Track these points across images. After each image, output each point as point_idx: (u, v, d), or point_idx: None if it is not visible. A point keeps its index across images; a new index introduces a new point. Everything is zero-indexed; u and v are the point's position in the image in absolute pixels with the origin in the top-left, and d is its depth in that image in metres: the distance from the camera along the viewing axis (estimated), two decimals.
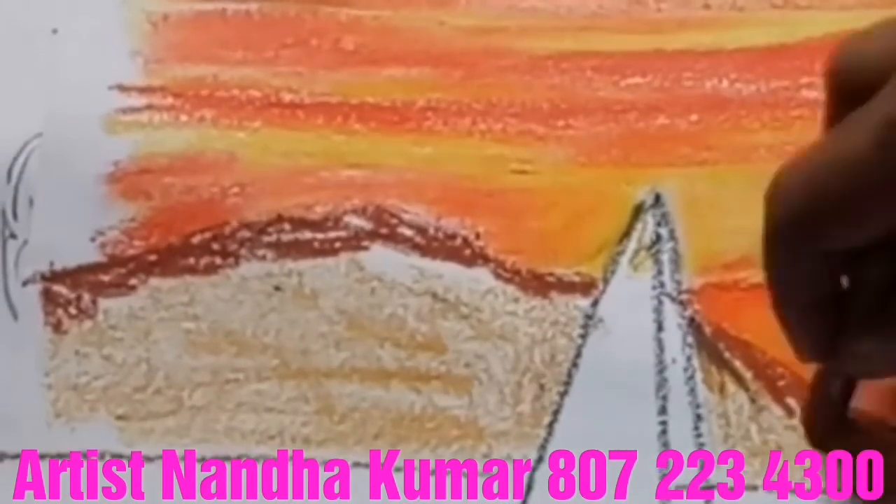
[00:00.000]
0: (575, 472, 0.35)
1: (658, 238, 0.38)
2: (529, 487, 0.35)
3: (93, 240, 0.39)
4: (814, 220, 0.27)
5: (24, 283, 0.38)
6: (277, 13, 0.42)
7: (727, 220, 0.38)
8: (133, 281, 0.39)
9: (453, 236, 0.39)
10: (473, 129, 0.40)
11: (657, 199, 0.38)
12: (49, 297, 0.38)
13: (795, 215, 0.28)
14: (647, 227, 0.38)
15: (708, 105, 0.40)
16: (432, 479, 0.36)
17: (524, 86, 0.40)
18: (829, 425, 0.32)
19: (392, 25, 0.42)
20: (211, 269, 0.39)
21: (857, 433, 0.32)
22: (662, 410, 0.36)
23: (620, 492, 0.35)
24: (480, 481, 0.36)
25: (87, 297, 0.38)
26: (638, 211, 0.38)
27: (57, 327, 0.38)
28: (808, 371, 0.34)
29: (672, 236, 0.38)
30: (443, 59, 0.41)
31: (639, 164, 0.39)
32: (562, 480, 0.35)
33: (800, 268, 0.29)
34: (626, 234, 0.38)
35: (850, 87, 0.28)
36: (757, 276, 0.36)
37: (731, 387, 0.36)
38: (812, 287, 0.29)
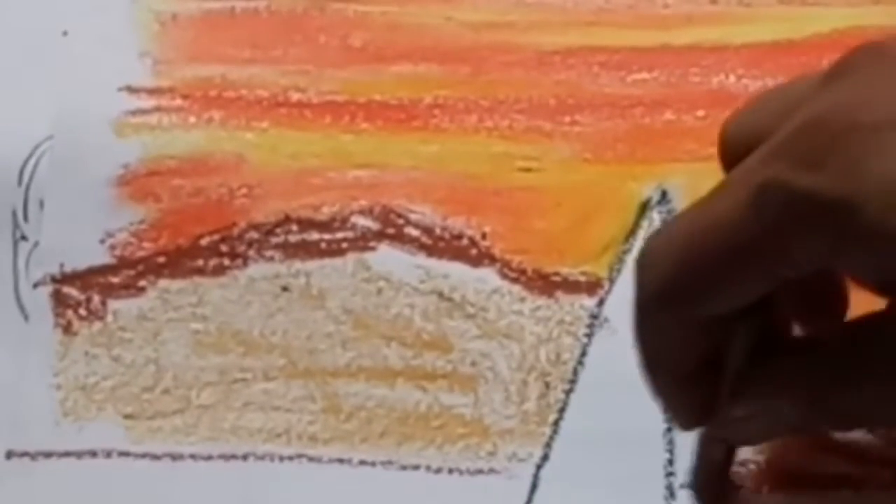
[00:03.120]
0: (580, 470, 0.38)
1: None
2: (534, 485, 0.38)
3: (102, 242, 0.42)
4: (684, 286, 0.28)
5: (35, 285, 0.41)
6: (285, 10, 0.45)
7: None
8: (142, 282, 0.41)
9: (459, 236, 0.41)
10: (480, 127, 0.42)
11: (663, 195, 0.41)
12: (59, 299, 0.41)
13: (665, 282, 0.29)
14: (653, 224, 0.40)
15: (715, 101, 0.42)
16: (437, 477, 0.38)
17: (531, 81, 0.43)
18: (715, 490, 0.34)
19: (399, 21, 0.44)
20: (219, 271, 0.42)
21: (744, 495, 0.34)
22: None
23: (626, 490, 0.37)
24: (486, 479, 0.38)
25: (96, 298, 0.41)
26: (644, 208, 0.41)
27: (67, 329, 0.41)
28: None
29: None
30: (450, 56, 0.44)
31: (645, 160, 0.41)
32: (567, 478, 0.38)
33: (670, 336, 0.30)
34: (633, 232, 0.40)
35: (736, 156, 0.29)
36: None
37: None
38: (684, 356, 0.30)
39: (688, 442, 0.37)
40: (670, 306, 0.29)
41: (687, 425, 0.33)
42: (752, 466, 0.37)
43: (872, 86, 0.26)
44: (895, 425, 0.34)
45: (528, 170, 0.42)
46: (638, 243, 0.40)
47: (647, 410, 0.38)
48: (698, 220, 0.28)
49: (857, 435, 0.37)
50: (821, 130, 0.26)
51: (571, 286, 0.40)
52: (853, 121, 0.26)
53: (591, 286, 0.40)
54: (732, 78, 0.42)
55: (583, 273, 0.40)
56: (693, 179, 0.41)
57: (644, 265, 0.30)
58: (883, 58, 0.27)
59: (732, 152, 0.30)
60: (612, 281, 0.40)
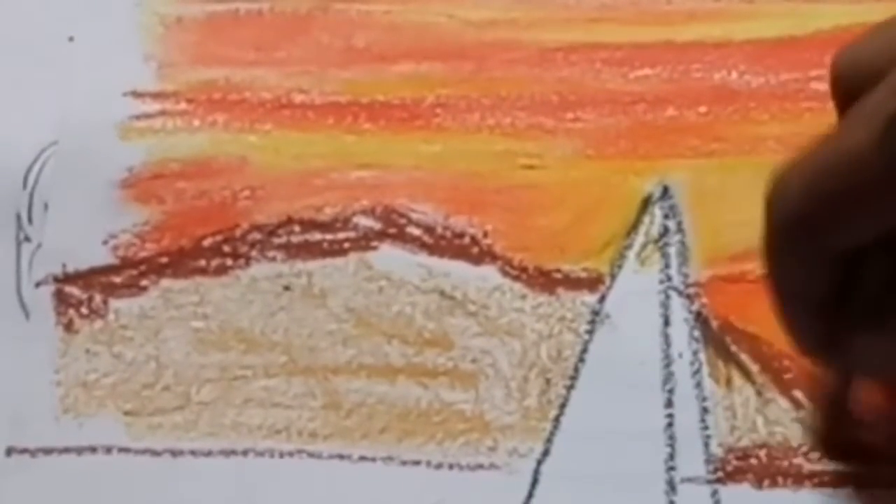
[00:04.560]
0: (581, 466, 0.39)
1: (666, 231, 0.41)
2: (535, 481, 0.39)
3: (105, 243, 0.43)
4: (815, 220, 0.30)
5: (37, 285, 0.43)
6: (289, 11, 0.46)
7: (735, 211, 0.41)
8: (144, 282, 0.43)
9: (461, 235, 0.42)
10: (482, 125, 0.44)
11: (665, 191, 0.42)
12: (61, 298, 0.42)
13: (797, 216, 0.30)
14: (654, 219, 0.41)
15: (717, 97, 0.43)
16: (438, 472, 0.39)
17: (533, 78, 0.44)
18: (831, 422, 0.35)
19: (402, 20, 0.46)
20: (221, 271, 0.43)
21: (859, 429, 0.35)
22: (669, 404, 0.39)
23: (627, 485, 0.38)
24: (486, 474, 0.39)
25: (98, 297, 0.42)
26: (646, 204, 0.42)
27: (68, 327, 0.42)
28: (815, 364, 0.37)
29: (680, 228, 0.41)
30: (452, 54, 0.45)
31: (647, 156, 0.42)
32: (568, 474, 0.39)
33: (801, 267, 0.31)
34: (634, 228, 0.41)
35: (850, 91, 0.30)
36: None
37: (738, 380, 0.39)
38: (813, 286, 0.31)
39: (689, 437, 0.38)
40: (800, 239, 0.30)
41: (810, 353, 0.34)
42: (754, 462, 0.38)
43: None
44: None
45: (530, 167, 0.43)
46: (640, 239, 0.41)
47: (648, 406, 0.39)
48: (827, 154, 0.29)
49: (860, 433, 0.38)
50: None
51: (573, 283, 0.41)
52: None
53: (593, 282, 0.41)
54: (735, 74, 0.43)
55: (584, 269, 0.41)
56: (695, 175, 0.42)
57: (775, 199, 0.31)
58: None
59: (845, 88, 0.30)
60: (613, 277, 0.41)
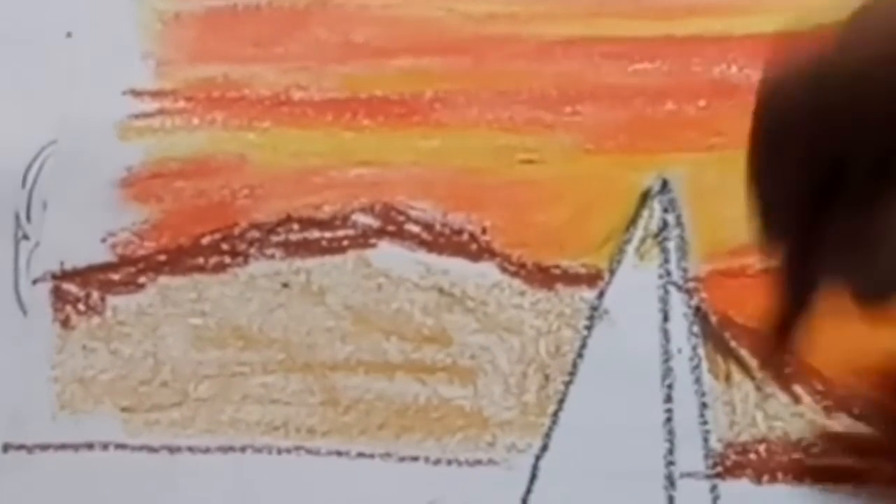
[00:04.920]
0: (579, 461, 0.39)
1: (665, 225, 0.41)
2: (534, 476, 0.39)
3: (104, 241, 0.43)
4: (816, 129, 0.30)
5: (35, 282, 0.43)
6: (287, 5, 0.46)
7: (734, 205, 0.40)
8: (142, 279, 0.43)
9: (460, 231, 0.42)
10: (481, 120, 0.44)
11: (664, 185, 0.42)
12: (58, 295, 0.42)
13: (796, 123, 0.30)
14: (653, 213, 0.41)
15: (716, 91, 0.43)
16: (436, 468, 0.39)
17: (532, 73, 0.44)
18: (776, 343, 0.35)
19: (401, 14, 0.46)
20: (220, 268, 0.43)
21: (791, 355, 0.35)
22: (668, 399, 0.39)
23: (625, 480, 0.38)
24: (485, 470, 0.39)
25: (96, 294, 0.42)
26: (645, 198, 0.42)
27: (65, 323, 0.42)
28: (815, 358, 0.37)
29: (679, 222, 0.41)
30: (451, 48, 0.45)
31: (646, 150, 0.42)
32: (566, 469, 0.39)
33: (789, 169, 0.31)
34: (633, 222, 0.41)
35: None
36: (764, 262, 0.39)
37: (737, 375, 0.39)
38: (799, 188, 0.31)
39: (688, 432, 0.38)
40: (797, 144, 0.31)
41: (782, 264, 0.34)
42: (753, 457, 0.38)
43: None
44: None
45: (529, 162, 0.43)
46: (639, 234, 0.41)
47: (647, 401, 0.39)
48: (832, 62, 0.30)
49: (860, 428, 0.38)
50: None
51: (571, 278, 0.41)
52: None
53: (592, 278, 0.41)
54: (734, 68, 0.43)
55: (583, 265, 0.41)
56: (694, 169, 0.42)
57: (773, 102, 0.31)
58: None
59: None
60: (612, 272, 0.41)
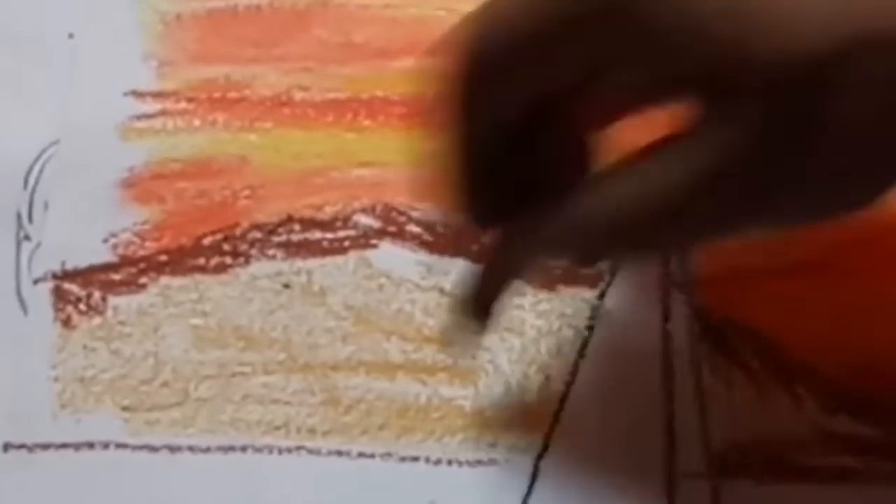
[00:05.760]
0: (580, 461, 0.39)
1: None
2: (534, 476, 0.39)
3: (105, 241, 0.44)
4: (505, 56, 0.30)
5: (36, 282, 0.43)
6: (288, 6, 0.47)
7: None
8: (143, 279, 0.43)
9: (461, 232, 0.43)
10: None
11: None
12: (59, 295, 0.43)
13: (492, 53, 0.30)
14: None
15: None
16: (437, 468, 0.40)
17: None
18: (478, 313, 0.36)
19: (401, 15, 0.46)
20: (221, 269, 0.43)
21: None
22: (669, 399, 0.39)
23: (626, 480, 0.39)
24: (486, 470, 0.39)
25: (97, 294, 0.43)
26: None
27: (66, 323, 0.42)
28: (817, 358, 0.38)
29: None
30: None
31: None
32: (567, 470, 0.39)
33: (495, 111, 0.31)
34: None
35: None
36: (765, 262, 0.40)
37: (738, 375, 0.40)
38: (503, 131, 0.32)
39: (689, 433, 0.38)
40: (486, 93, 0.31)
41: (474, 218, 0.34)
42: (754, 457, 0.39)
43: None
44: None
45: None
46: None
47: (648, 402, 0.39)
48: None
49: (860, 427, 0.38)
50: None
51: (572, 279, 0.41)
52: None
53: (593, 278, 0.41)
54: None
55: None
56: None
57: (475, 41, 0.31)
58: None
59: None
60: (613, 273, 0.41)
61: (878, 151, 0.28)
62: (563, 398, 0.40)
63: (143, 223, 0.44)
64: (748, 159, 0.28)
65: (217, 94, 0.46)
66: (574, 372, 0.40)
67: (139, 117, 0.46)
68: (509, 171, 0.33)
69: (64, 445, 0.40)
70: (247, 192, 0.44)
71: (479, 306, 0.36)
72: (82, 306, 0.43)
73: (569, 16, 0.29)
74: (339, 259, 0.43)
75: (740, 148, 0.28)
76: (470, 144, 0.32)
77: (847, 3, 0.27)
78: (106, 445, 0.40)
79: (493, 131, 0.32)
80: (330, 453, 0.40)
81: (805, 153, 0.28)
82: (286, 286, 0.43)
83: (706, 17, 0.27)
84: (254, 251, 0.43)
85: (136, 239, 0.44)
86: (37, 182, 0.45)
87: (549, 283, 0.42)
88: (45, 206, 0.44)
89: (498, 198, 0.33)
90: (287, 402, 0.41)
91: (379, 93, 0.45)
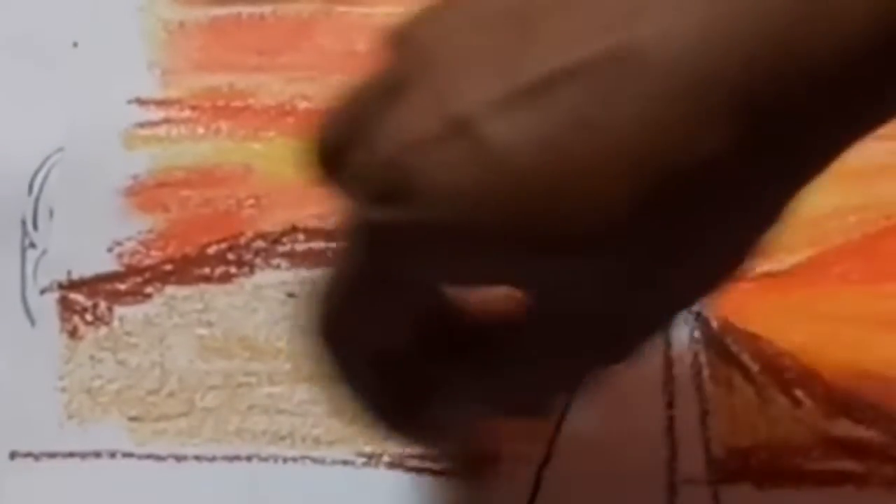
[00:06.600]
0: (582, 470, 0.40)
1: None
2: (537, 485, 0.40)
3: (110, 250, 0.44)
4: (336, 331, 0.31)
5: (42, 292, 0.44)
6: (292, 14, 0.48)
7: None
8: (149, 289, 0.44)
9: None
10: None
11: None
12: (66, 305, 0.44)
13: (322, 328, 0.31)
14: None
15: None
16: (441, 478, 0.40)
17: None
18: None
19: None
20: (226, 278, 0.44)
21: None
22: (669, 405, 0.40)
23: (627, 489, 0.39)
24: (490, 480, 0.40)
25: (103, 304, 0.44)
26: None
27: (73, 333, 0.43)
28: (817, 362, 0.39)
29: None
30: None
31: None
32: (569, 479, 0.40)
33: (352, 372, 0.32)
34: None
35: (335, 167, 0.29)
36: (764, 266, 0.40)
37: (738, 380, 0.40)
38: (370, 385, 0.32)
39: (689, 438, 0.39)
40: (336, 355, 0.31)
41: (401, 439, 0.35)
42: (754, 462, 0.39)
43: (412, 100, 0.26)
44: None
45: None
46: None
47: (649, 407, 0.40)
48: (333, 271, 0.30)
49: (860, 431, 0.39)
50: (389, 165, 0.26)
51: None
52: (406, 145, 0.26)
53: None
54: None
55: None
56: None
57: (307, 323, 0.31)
58: (420, 58, 0.27)
59: (329, 166, 0.30)
60: None
61: None
62: (565, 407, 0.40)
63: (148, 232, 0.45)
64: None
65: (221, 103, 0.47)
66: None
67: (143, 125, 0.46)
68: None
69: (70, 454, 0.41)
70: (251, 202, 0.45)
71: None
72: (88, 316, 0.43)
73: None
74: None
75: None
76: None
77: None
78: (112, 454, 0.41)
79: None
80: (335, 463, 0.41)
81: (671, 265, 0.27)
82: (291, 296, 0.43)
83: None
84: (258, 260, 0.44)
85: (140, 248, 0.44)
86: (41, 189, 0.46)
87: None
88: (50, 213, 0.45)
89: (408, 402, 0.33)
90: (292, 413, 0.41)
91: None
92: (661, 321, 0.29)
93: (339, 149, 0.29)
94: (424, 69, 0.27)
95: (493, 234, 0.25)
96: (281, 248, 0.44)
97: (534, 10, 0.25)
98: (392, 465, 0.41)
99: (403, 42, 0.28)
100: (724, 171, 0.24)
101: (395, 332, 0.30)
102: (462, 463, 0.39)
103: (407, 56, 0.28)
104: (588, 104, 0.24)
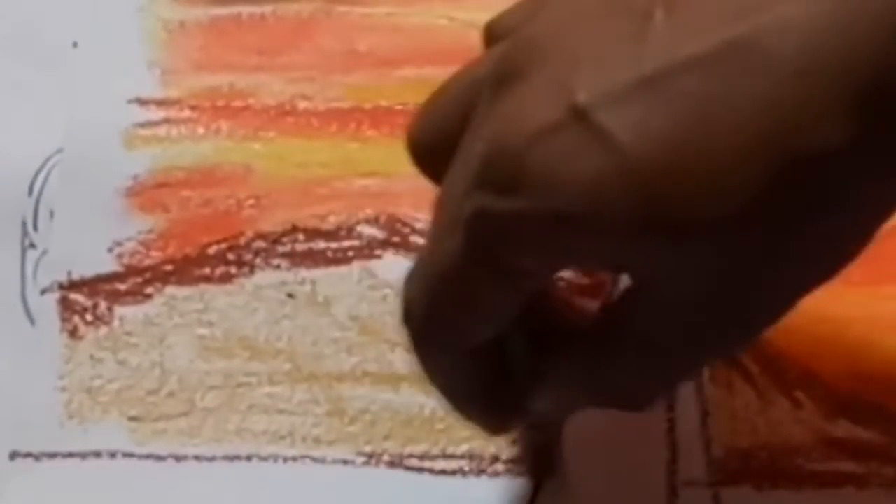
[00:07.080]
0: (583, 471, 0.40)
1: None
2: (538, 487, 0.40)
3: (110, 250, 0.45)
4: (440, 330, 0.30)
5: (42, 292, 0.44)
6: (292, 14, 0.48)
7: None
8: (149, 289, 0.44)
9: None
10: None
11: None
12: (66, 305, 0.44)
13: (421, 322, 0.31)
14: None
15: None
16: (441, 479, 0.41)
17: None
18: (543, 467, 0.38)
19: (404, 23, 0.47)
20: (226, 278, 0.44)
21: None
22: (670, 407, 0.40)
23: (628, 490, 0.40)
24: (489, 481, 0.40)
25: (103, 304, 0.44)
26: None
27: (73, 333, 0.44)
28: (817, 363, 0.39)
29: None
30: (454, 57, 0.46)
31: None
32: (569, 479, 0.40)
33: (451, 367, 0.32)
34: None
35: (432, 164, 0.30)
36: None
37: (739, 382, 0.41)
38: (469, 380, 0.32)
39: (690, 440, 0.39)
40: (433, 342, 0.31)
41: (497, 432, 0.36)
42: (754, 464, 0.40)
43: (529, 90, 0.27)
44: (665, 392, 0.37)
45: None
46: None
47: (649, 410, 0.40)
48: (433, 263, 0.30)
49: (861, 432, 0.39)
50: (503, 154, 0.27)
51: (576, 288, 0.42)
52: (523, 134, 0.26)
53: (595, 288, 0.42)
54: None
55: (587, 275, 0.43)
56: None
57: (404, 302, 0.31)
58: (534, 50, 0.27)
59: (428, 161, 0.31)
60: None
61: None
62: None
63: (148, 232, 0.45)
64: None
65: (221, 103, 0.47)
66: None
67: (143, 125, 0.47)
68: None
69: (70, 454, 0.41)
70: (251, 202, 0.45)
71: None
72: (89, 316, 0.44)
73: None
74: (343, 269, 0.44)
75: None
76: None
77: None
78: (112, 454, 0.41)
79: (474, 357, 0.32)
80: (335, 462, 0.41)
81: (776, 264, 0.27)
82: (291, 296, 0.44)
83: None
84: (258, 261, 0.44)
85: (140, 248, 0.45)
86: (41, 190, 0.46)
87: None
88: (51, 214, 0.45)
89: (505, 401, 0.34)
90: (292, 412, 0.42)
91: (382, 102, 0.46)
92: (783, 304, 0.29)
93: (444, 139, 0.29)
94: (540, 60, 0.27)
95: (614, 222, 0.26)
96: (281, 248, 0.44)
97: (648, 3, 0.26)
98: (392, 464, 0.41)
99: (512, 35, 0.28)
100: (845, 161, 0.24)
101: (499, 324, 0.30)
102: (538, 458, 0.39)
103: (519, 48, 0.28)
104: (709, 95, 0.24)
